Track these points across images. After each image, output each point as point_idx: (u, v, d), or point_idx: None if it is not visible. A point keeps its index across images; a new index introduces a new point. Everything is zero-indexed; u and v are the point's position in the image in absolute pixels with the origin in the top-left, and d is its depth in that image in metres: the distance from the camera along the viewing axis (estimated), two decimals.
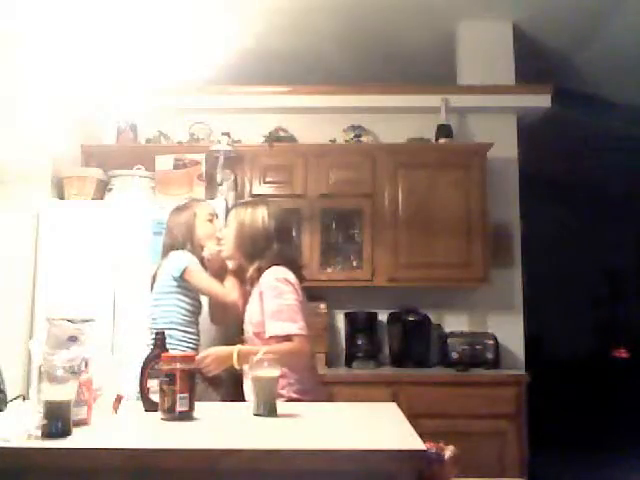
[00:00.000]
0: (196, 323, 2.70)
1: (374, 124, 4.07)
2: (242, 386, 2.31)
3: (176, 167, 3.60)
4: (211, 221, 2.76)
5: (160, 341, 1.95)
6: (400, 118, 4.06)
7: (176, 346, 2.52)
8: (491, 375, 3.51)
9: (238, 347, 2.19)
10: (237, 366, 2.16)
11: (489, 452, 3.24)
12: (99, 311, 3.03)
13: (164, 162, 3.61)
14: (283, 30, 3.98)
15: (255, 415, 1.79)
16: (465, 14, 3.99)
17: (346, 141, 3.98)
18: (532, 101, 3.97)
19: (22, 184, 3.33)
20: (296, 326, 2.15)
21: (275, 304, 2.18)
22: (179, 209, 2.79)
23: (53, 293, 3.23)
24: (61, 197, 3.53)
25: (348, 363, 3.74)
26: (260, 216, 2.34)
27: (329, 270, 3.74)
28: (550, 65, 4.38)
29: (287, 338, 2.15)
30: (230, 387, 2.60)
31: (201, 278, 2.60)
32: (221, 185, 3.63)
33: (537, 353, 4.30)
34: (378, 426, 1.74)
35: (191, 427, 1.66)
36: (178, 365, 1.73)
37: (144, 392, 1.88)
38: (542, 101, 3.95)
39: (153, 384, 1.84)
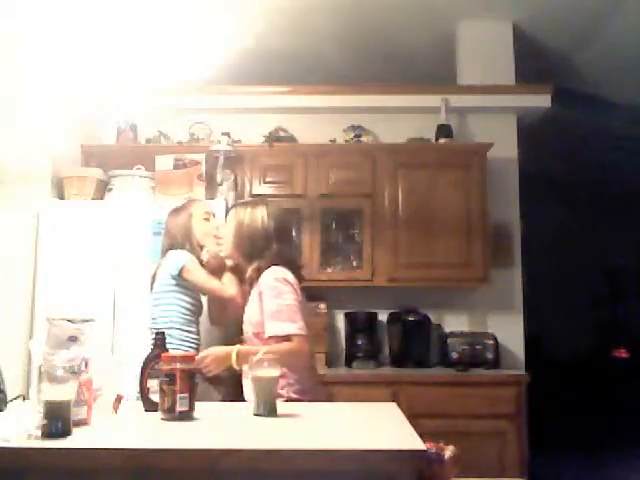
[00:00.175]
0: (196, 323, 2.70)
1: (374, 124, 4.07)
2: (242, 386, 2.31)
3: (176, 167, 3.60)
4: (207, 219, 2.77)
5: (160, 341, 1.95)
6: (400, 118, 4.06)
7: (178, 346, 2.53)
8: (491, 375, 3.51)
9: (237, 347, 2.19)
10: (236, 366, 2.16)
11: (489, 452, 3.24)
12: (99, 311, 3.03)
13: (164, 162, 3.61)
14: (283, 30, 3.98)
15: (255, 415, 1.79)
16: (465, 14, 3.99)
17: (346, 141, 3.98)
18: (532, 101, 3.97)
19: (22, 184, 3.33)
20: (295, 326, 2.15)
21: (274, 304, 2.18)
22: (176, 211, 2.81)
23: (53, 293, 3.23)
24: (61, 197, 3.53)
25: (348, 363, 3.74)
26: (259, 216, 2.34)
27: (329, 270, 3.74)
28: (550, 65, 4.38)
29: (286, 338, 2.15)
30: (230, 387, 2.60)
31: (199, 276, 2.61)
32: (221, 185, 3.63)
33: (537, 353, 4.29)
34: (378, 426, 1.74)
35: (191, 427, 1.66)
36: (178, 365, 1.73)
37: (144, 392, 1.89)
38: (542, 101, 3.95)
39: (153, 384, 1.84)
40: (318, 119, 4.07)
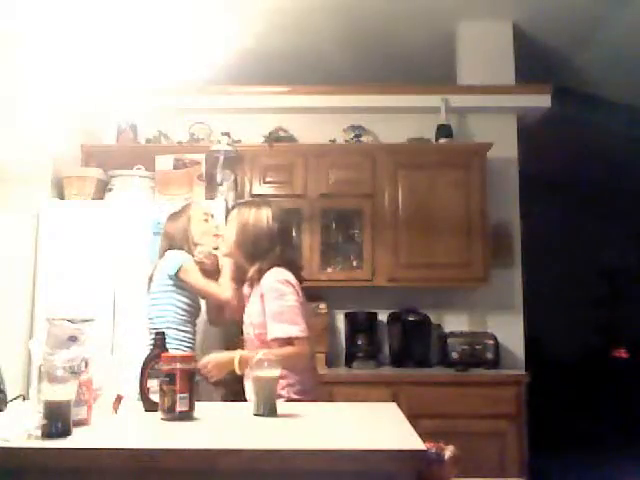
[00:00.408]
0: (192, 323, 2.70)
1: (374, 124, 4.07)
2: (243, 386, 2.31)
3: (176, 167, 3.60)
4: (206, 220, 2.77)
5: (160, 341, 1.95)
6: (400, 118, 4.06)
7: (176, 346, 2.52)
8: (491, 375, 3.51)
9: (239, 352, 2.19)
10: (239, 371, 2.16)
11: (489, 452, 3.24)
12: (99, 311, 3.03)
13: (164, 162, 3.61)
14: (283, 30, 3.98)
15: (255, 415, 1.79)
16: (465, 14, 3.99)
17: (346, 141, 3.98)
18: (532, 101, 3.97)
19: (22, 184, 3.33)
20: (297, 328, 2.16)
21: (277, 305, 2.18)
22: (175, 215, 2.81)
23: (53, 293, 3.23)
24: (61, 197, 3.53)
25: (348, 363, 3.74)
26: (265, 216, 2.33)
27: (329, 270, 3.74)
28: (550, 65, 4.38)
29: (288, 340, 2.15)
30: (230, 386, 2.60)
31: (196, 278, 2.61)
32: (221, 185, 3.63)
33: (537, 353, 4.29)
34: (378, 426, 1.74)
35: (191, 427, 1.66)
36: (178, 365, 1.73)
37: (144, 392, 1.88)
38: (542, 101, 3.95)
39: (153, 384, 1.84)
40: (318, 119, 4.07)
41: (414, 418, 1.74)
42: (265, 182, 3.76)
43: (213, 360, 2.20)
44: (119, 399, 1.81)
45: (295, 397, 2.15)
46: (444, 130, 3.90)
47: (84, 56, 3.73)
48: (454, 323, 3.89)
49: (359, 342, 3.76)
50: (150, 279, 2.71)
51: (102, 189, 3.57)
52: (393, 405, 2.02)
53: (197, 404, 1.76)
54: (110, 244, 3.30)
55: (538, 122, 4.16)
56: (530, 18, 3.96)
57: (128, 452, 1.39)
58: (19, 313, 3.24)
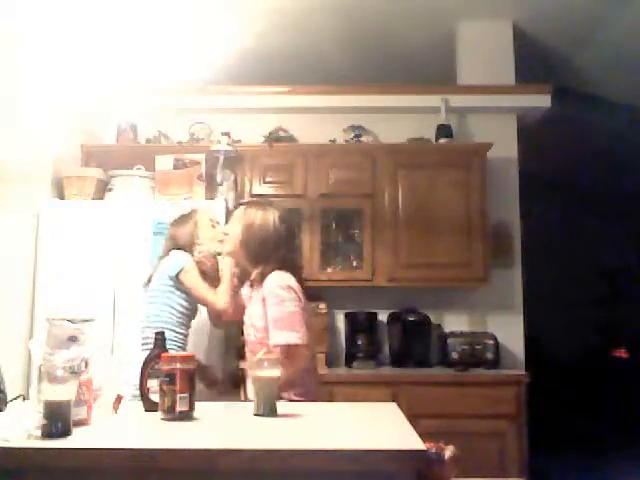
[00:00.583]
0: (187, 325, 2.69)
1: (374, 124, 4.07)
2: (244, 386, 2.31)
3: (176, 167, 3.60)
4: (213, 227, 2.77)
5: (160, 341, 1.95)
6: (400, 118, 4.06)
7: (169, 347, 2.51)
8: (491, 375, 3.51)
9: None
10: None
11: (489, 452, 3.24)
12: (99, 311, 3.03)
13: (164, 162, 3.61)
14: (283, 30, 3.98)
15: (255, 415, 1.79)
16: (465, 14, 3.99)
17: (346, 141, 3.98)
18: (532, 101, 3.97)
19: (22, 184, 3.33)
20: (296, 335, 2.15)
21: (277, 311, 2.18)
22: (181, 219, 2.78)
23: (53, 293, 3.22)
24: (61, 197, 3.53)
25: (348, 363, 3.74)
26: (271, 219, 2.31)
27: (329, 270, 3.74)
28: (550, 65, 4.38)
29: (288, 347, 2.15)
30: (230, 387, 2.61)
31: (196, 283, 2.59)
32: (221, 185, 3.63)
33: (537, 353, 4.29)
34: (378, 426, 1.74)
35: (191, 427, 1.66)
36: (178, 365, 1.73)
37: (144, 392, 1.88)
38: (542, 101, 3.95)
39: (153, 384, 1.84)
40: (318, 119, 4.07)
41: (414, 418, 1.75)
42: (265, 182, 3.76)
43: None
44: (119, 399, 1.81)
45: (296, 398, 2.15)
46: (444, 130, 3.90)
47: (84, 56, 3.73)
48: (454, 323, 3.89)
49: (359, 342, 3.76)
50: (149, 278, 2.71)
51: (102, 189, 3.57)
52: (393, 405, 2.02)
53: (197, 404, 1.76)
54: (110, 244, 3.30)
55: (538, 122, 4.16)
56: (530, 18, 3.96)
57: (128, 452, 1.39)
58: (19, 313, 3.24)
